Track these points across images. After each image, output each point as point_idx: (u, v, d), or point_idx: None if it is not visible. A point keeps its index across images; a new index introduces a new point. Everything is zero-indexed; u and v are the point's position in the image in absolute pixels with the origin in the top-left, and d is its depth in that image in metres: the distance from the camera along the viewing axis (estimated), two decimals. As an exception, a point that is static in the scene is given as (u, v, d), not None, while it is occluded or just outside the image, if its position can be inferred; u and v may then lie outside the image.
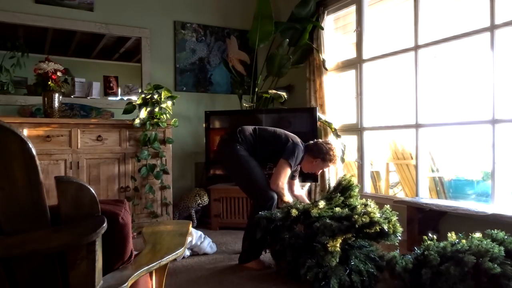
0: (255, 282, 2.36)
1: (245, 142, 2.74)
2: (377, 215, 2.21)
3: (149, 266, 1.23)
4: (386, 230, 2.18)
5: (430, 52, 3.25)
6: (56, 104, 3.32)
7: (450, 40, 3.02)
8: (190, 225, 1.89)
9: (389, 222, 2.22)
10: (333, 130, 3.74)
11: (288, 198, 2.72)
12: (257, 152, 2.76)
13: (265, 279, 2.41)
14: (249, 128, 2.84)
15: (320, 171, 2.97)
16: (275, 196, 2.67)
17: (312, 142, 2.86)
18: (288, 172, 2.69)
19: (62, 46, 3.94)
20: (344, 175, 2.79)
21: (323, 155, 2.77)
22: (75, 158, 3.30)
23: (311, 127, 3.62)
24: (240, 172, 2.74)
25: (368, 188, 3.83)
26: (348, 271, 2.20)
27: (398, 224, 2.25)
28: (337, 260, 2.15)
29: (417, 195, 3.28)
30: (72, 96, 3.81)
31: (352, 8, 3.87)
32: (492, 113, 2.71)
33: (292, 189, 2.99)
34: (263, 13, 3.90)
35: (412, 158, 4.18)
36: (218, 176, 3.94)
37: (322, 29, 3.99)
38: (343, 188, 2.67)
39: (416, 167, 3.32)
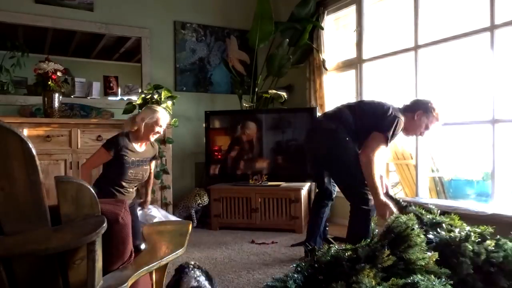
0: (256, 282, 2.36)
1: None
2: None
3: (149, 266, 1.24)
4: None
5: (430, 52, 3.25)
6: (56, 104, 3.32)
7: (450, 40, 3.02)
8: (190, 225, 1.89)
9: None
10: (333, 130, 3.72)
11: (378, 185, 2.27)
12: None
13: (266, 280, 2.41)
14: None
15: (426, 130, 2.47)
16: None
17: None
18: (382, 149, 2.30)
19: (62, 46, 3.94)
20: (399, 215, 1.68)
21: (424, 106, 2.43)
22: (75, 158, 3.29)
23: (311, 127, 3.61)
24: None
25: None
26: None
27: None
28: None
29: (417, 195, 3.28)
30: (72, 96, 3.81)
31: (352, 8, 3.87)
32: (492, 113, 2.71)
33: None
34: (263, 13, 3.90)
35: (412, 158, 4.17)
36: (218, 176, 3.94)
37: (322, 29, 3.99)
38: (396, 236, 1.59)
39: (416, 167, 3.32)
